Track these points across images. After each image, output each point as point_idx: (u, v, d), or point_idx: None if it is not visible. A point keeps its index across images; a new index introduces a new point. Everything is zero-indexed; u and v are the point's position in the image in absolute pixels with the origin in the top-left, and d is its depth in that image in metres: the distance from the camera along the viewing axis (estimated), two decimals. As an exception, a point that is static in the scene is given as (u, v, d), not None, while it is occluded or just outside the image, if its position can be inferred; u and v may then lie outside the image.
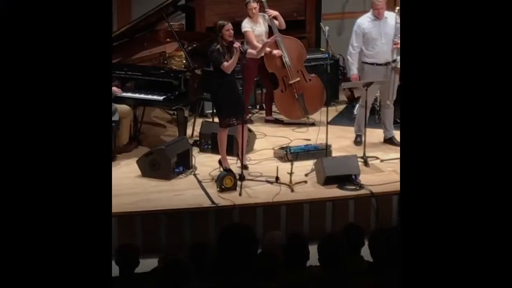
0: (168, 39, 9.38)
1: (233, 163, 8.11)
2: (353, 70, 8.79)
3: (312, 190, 7.83)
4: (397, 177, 7.63)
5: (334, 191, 7.77)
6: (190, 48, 9.15)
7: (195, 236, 7.19)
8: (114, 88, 8.43)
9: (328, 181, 7.84)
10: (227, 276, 4.68)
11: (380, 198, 7.72)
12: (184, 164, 8.17)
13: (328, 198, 7.68)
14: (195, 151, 8.55)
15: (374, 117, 9.48)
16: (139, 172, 8.10)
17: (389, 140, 9.02)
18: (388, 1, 9.12)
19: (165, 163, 7.99)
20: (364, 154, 8.40)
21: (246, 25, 9.23)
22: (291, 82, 9.55)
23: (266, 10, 9.40)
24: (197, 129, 9.07)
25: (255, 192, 7.73)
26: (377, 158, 8.55)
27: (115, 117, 8.26)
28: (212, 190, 7.73)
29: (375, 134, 9.12)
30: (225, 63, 7.67)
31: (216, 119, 8.25)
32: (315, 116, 9.57)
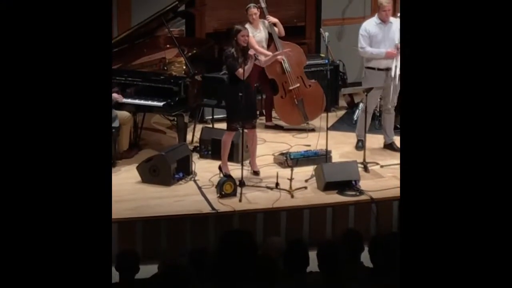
0: (168, 45, 9.38)
1: (233, 169, 8.11)
2: (381, 50, 8.70)
3: (312, 196, 7.82)
4: (397, 182, 7.61)
5: (334, 197, 7.76)
6: (190, 54, 9.15)
7: (195, 242, 7.18)
8: (115, 95, 8.43)
9: (328, 186, 7.84)
10: (227, 282, 4.68)
11: (380, 204, 7.70)
12: (184, 170, 8.16)
13: (328, 204, 7.67)
14: (195, 157, 8.55)
15: (374, 123, 9.48)
16: (139, 178, 8.09)
17: (389, 146, 9.01)
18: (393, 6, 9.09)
19: (165, 169, 7.98)
20: (364, 159, 8.39)
21: (246, 31, 9.24)
22: (291, 88, 9.55)
23: (266, 16, 9.42)
24: (197, 135, 9.06)
25: (255, 198, 7.72)
26: (377, 163, 8.55)
27: (115, 124, 8.25)
28: (212, 196, 7.72)
29: (375, 140, 9.12)
30: (240, 70, 7.71)
31: (216, 125, 8.24)
32: (315, 122, 9.55)
